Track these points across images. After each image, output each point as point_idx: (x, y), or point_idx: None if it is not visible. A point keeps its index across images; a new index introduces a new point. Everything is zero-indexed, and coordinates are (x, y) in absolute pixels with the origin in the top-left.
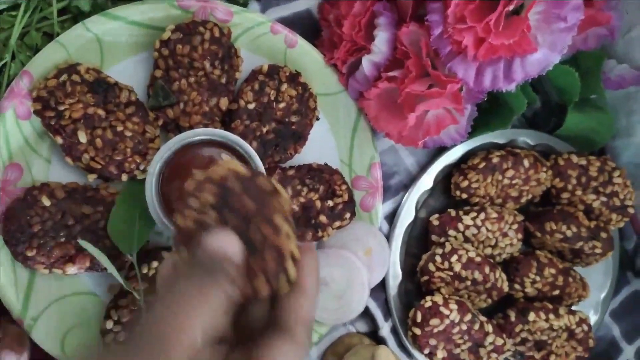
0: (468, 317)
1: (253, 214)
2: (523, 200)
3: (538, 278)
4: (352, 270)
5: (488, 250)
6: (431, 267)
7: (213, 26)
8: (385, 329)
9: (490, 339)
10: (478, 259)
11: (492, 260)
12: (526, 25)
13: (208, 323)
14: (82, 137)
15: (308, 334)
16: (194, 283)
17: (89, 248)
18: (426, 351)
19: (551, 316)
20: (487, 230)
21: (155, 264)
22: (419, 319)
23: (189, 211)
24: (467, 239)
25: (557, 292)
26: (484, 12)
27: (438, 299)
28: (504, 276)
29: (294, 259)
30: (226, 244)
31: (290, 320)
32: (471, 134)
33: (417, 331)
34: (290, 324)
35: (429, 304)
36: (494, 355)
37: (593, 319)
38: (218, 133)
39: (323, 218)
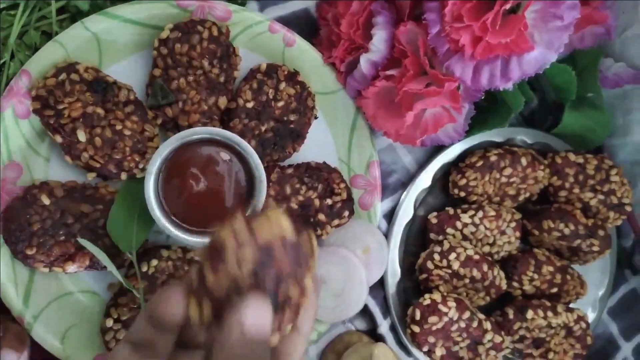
0: (467, 314)
1: (287, 275)
2: (521, 198)
3: (536, 276)
4: (351, 268)
5: (486, 248)
6: (430, 265)
7: (211, 25)
8: (384, 327)
9: (488, 336)
10: (476, 257)
11: (490, 258)
12: (523, 24)
13: None
14: (82, 135)
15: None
16: None
17: (88, 246)
18: (425, 349)
19: (549, 314)
20: (485, 228)
21: (154, 262)
22: (417, 317)
23: (223, 268)
24: (465, 237)
25: (555, 289)
26: (481, 11)
27: (437, 296)
28: (502, 274)
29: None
30: (261, 318)
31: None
32: (469, 133)
33: (416, 329)
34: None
35: (427, 301)
36: (492, 352)
37: (591, 316)
38: (217, 132)
39: (322, 216)
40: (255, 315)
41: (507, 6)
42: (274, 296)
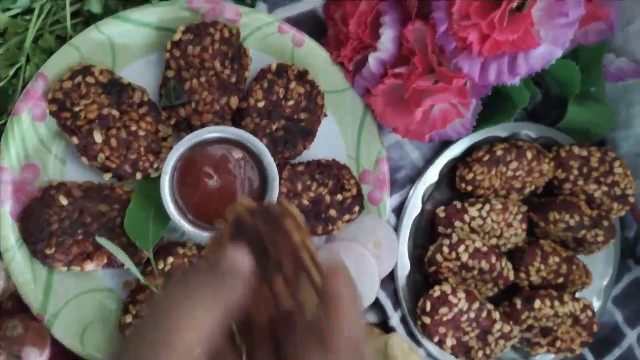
0: (476, 305)
1: (268, 234)
2: (526, 191)
3: (542, 266)
4: (362, 262)
5: (493, 241)
6: (439, 257)
7: (222, 27)
8: (394, 319)
9: (497, 326)
10: (484, 249)
11: (497, 250)
12: (529, 21)
13: (207, 325)
14: (98, 137)
15: (357, 355)
16: (199, 281)
17: (106, 245)
18: (436, 339)
19: (556, 303)
20: (492, 221)
21: (170, 259)
22: (428, 308)
23: (210, 247)
24: (472, 230)
25: (561, 279)
26: (488, 9)
27: (446, 288)
28: (509, 265)
29: (315, 262)
30: (233, 256)
31: (332, 340)
32: (475, 128)
33: (427, 320)
34: (332, 344)
35: (437, 293)
36: (501, 341)
37: (596, 305)
38: (229, 131)
39: (332, 212)
40: (231, 252)
41: (514, 4)
42: (261, 252)
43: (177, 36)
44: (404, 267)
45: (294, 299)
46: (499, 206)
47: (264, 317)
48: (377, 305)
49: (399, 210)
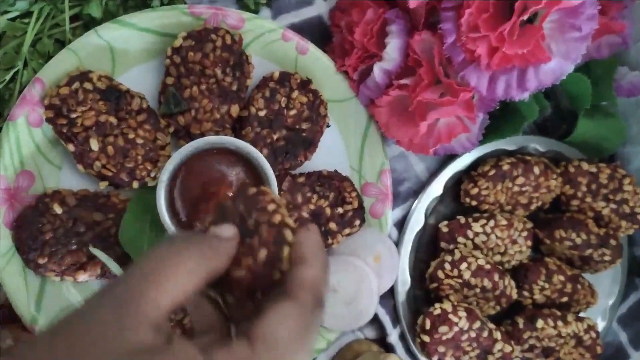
0: (477, 324)
1: (248, 212)
2: (533, 207)
3: (547, 285)
4: (362, 277)
5: (497, 257)
6: (440, 274)
7: (225, 33)
8: (393, 336)
9: (498, 346)
10: (487, 266)
11: (501, 267)
12: (540, 35)
13: (180, 287)
14: (94, 144)
15: (316, 298)
16: (174, 243)
17: (100, 255)
18: (435, 358)
19: (559, 323)
20: (497, 237)
21: None
22: (427, 326)
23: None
24: (476, 246)
25: (565, 299)
26: (498, 21)
27: (447, 306)
28: (513, 283)
29: (292, 230)
30: (219, 230)
31: (293, 288)
32: (482, 141)
33: (426, 338)
34: (292, 289)
35: (437, 311)
36: None
37: (601, 325)
38: (229, 141)
39: (333, 225)
40: (214, 229)
41: (525, 17)
42: (244, 227)
43: (177, 42)
44: (405, 283)
45: (270, 252)
46: (504, 222)
47: (242, 273)
48: (376, 321)
49: (401, 224)
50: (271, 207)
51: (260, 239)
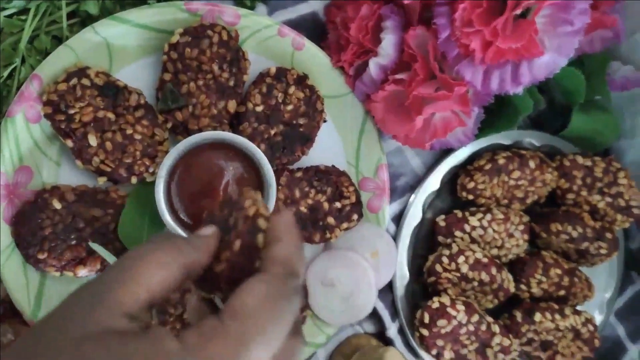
0: (475, 317)
1: (230, 214)
2: (529, 201)
3: (544, 278)
4: (360, 271)
5: (494, 251)
6: (438, 268)
7: (221, 29)
8: (392, 330)
9: (497, 339)
10: (485, 260)
11: (498, 261)
12: (533, 29)
13: (155, 278)
14: (92, 140)
15: (288, 269)
16: (150, 241)
17: (99, 250)
18: (433, 352)
19: (557, 316)
20: (494, 231)
21: None
22: (426, 320)
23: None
24: (473, 240)
25: (562, 292)
26: (492, 15)
27: (445, 300)
28: (510, 277)
29: (265, 217)
30: (200, 230)
31: (266, 265)
32: (477, 135)
33: (425, 332)
34: (264, 265)
35: (436, 304)
36: (500, 355)
37: (598, 318)
38: (226, 136)
39: (331, 219)
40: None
41: (518, 11)
42: (225, 227)
43: (174, 38)
44: (403, 277)
45: (245, 242)
46: (501, 216)
47: (221, 266)
48: (374, 315)
49: (398, 219)
50: (247, 203)
51: (236, 232)
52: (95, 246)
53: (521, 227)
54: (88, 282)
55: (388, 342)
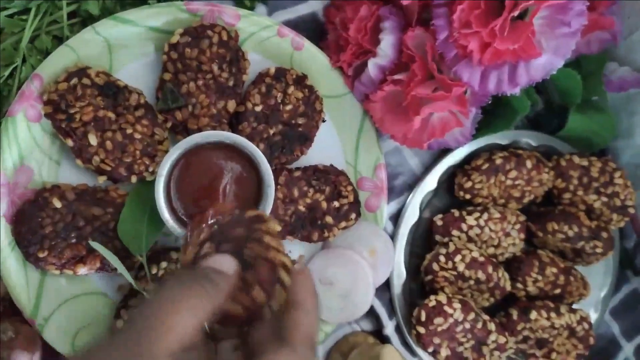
0: (471, 316)
1: (245, 239)
2: (525, 200)
3: (540, 277)
4: (357, 270)
5: (491, 250)
6: (435, 266)
7: (221, 30)
8: (389, 328)
9: (493, 337)
10: (481, 258)
11: (495, 260)
12: (531, 31)
13: (189, 330)
14: (93, 139)
15: (311, 351)
16: (181, 281)
17: (99, 249)
18: (430, 349)
19: (552, 314)
20: (490, 230)
21: (164, 264)
22: (423, 318)
23: (189, 249)
24: (470, 239)
25: (558, 290)
26: (489, 17)
27: (442, 298)
28: (506, 275)
29: (287, 269)
30: (220, 262)
31: (292, 335)
32: (475, 135)
33: (421, 330)
34: (291, 339)
35: (433, 303)
36: (496, 353)
37: (593, 317)
38: (226, 135)
39: (329, 219)
40: (214, 260)
41: (516, 13)
42: (240, 256)
43: (174, 38)
44: (400, 276)
45: (266, 292)
46: (497, 215)
47: (237, 309)
48: (372, 313)
49: (396, 218)
50: (267, 239)
51: (256, 275)
52: (95, 245)
53: (518, 226)
54: (120, 333)
55: (385, 339)
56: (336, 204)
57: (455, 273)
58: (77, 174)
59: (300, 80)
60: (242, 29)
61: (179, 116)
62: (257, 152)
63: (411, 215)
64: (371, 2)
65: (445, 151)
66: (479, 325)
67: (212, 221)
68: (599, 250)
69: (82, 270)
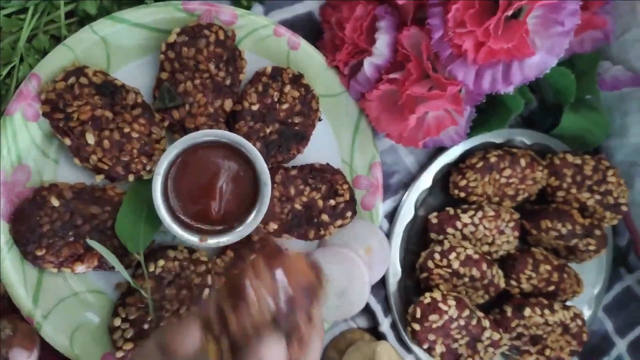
0: (466, 312)
1: (299, 305)
2: (519, 198)
3: (534, 274)
4: (353, 268)
5: (485, 248)
6: (430, 264)
7: (218, 29)
8: (385, 325)
9: (487, 334)
10: (476, 256)
11: (489, 257)
12: (525, 30)
13: None
14: (90, 138)
15: None
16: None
17: (97, 247)
18: (425, 346)
19: (546, 311)
20: (485, 228)
21: (161, 262)
22: (418, 315)
23: (243, 307)
24: (465, 237)
25: (552, 288)
26: (484, 16)
27: (437, 295)
28: (500, 273)
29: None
30: (277, 356)
31: None
32: (470, 134)
33: (417, 327)
34: None
35: (428, 300)
36: (490, 349)
37: (587, 314)
38: (223, 134)
39: (325, 217)
40: (272, 355)
41: (510, 12)
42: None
43: (171, 38)
44: (396, 273)
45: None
46: (492, 213)
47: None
48: (367, 310)
49: (391, 216)
50: (316, 319)
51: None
52: (93, 243)
53: (512, 224)
54: None
55: (381, 336)
56: (332, 202)
57: (450, 270)
58: (75, 173)
59: (297, 80)
60: (239, 28)
61: (176, 115)
62: (253, 151)
63: (406, 214)
64: (367, 1)
65: (440, 149)
66: (474, 322)
67: (278, 282)
68: (592, 247)
69: (79, 268)
